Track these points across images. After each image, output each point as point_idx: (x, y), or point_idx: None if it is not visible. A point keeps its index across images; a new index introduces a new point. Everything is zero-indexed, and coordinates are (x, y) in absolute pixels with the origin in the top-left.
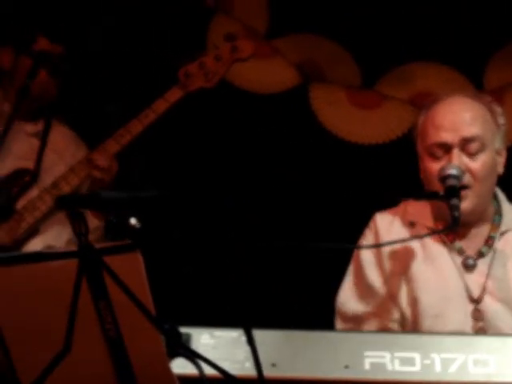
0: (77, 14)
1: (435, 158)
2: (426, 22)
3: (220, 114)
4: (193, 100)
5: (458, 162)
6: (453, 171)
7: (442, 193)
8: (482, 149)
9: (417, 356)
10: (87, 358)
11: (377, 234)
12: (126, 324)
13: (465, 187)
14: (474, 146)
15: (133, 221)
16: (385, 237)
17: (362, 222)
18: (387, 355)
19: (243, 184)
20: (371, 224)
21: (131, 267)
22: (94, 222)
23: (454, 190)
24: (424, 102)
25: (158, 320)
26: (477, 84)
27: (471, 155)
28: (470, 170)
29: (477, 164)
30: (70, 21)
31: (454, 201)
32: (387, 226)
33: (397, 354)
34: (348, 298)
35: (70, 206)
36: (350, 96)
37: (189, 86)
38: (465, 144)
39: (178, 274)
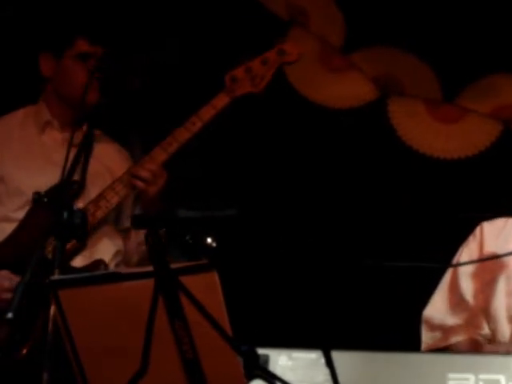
0: (133, 19)
1: None
2: (507, 33)
3: (297, 130)
4: (270, 115)
5: None
6: None
7: None
8: None
9: (502, 378)
10: (164, 379)
11: (481, 244)
12: (203, 345)
13: None
14: None
15: (209, 240)
16: (490, 247)
17: (446, 238)
18: (471, 377)
19: (322, 200)
20: (477, 232)
21: (207, 287)
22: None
23: None
24: None
25: (235, 341)
26: None
27: None
28: None
29: None
30: (116, 25)
31: None
32: (494, 236)
33: (481, 377)
34: (438, 309)
35: (146, 225)
36: (429, 110)
37: (235, 91)
38: None
39: (256, 294)
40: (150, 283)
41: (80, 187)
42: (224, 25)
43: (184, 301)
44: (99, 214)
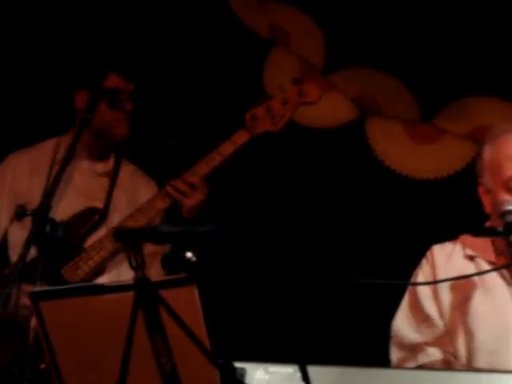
0: (146, 54)
1: None
2: (484, 56)
3: (277, 149)
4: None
5: None
6: None
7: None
8: None
9: None
10: None
11: (433, 266)
12: (181, 358)
13: None
14: None
15: (189, 255)
16: (442, 269)
17: (419, 256)
18: None
19: (300, 218)
20: (428, 255)
21: (187, 301)
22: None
23: None
24: (486, 135)
25: (212, 355)
26: None
27: None
28: None
29: None
30: (139, 60)
31: None
32: (445, 258)
33: None
34: (404, 325)
35: (126, 238)
36: (407, 130)
37: (255, 129)
38: None
39: (234, 309)
40: (130, 296)
41: (103, 215)
42: (206, 45)
43: (163, 314)
44: None
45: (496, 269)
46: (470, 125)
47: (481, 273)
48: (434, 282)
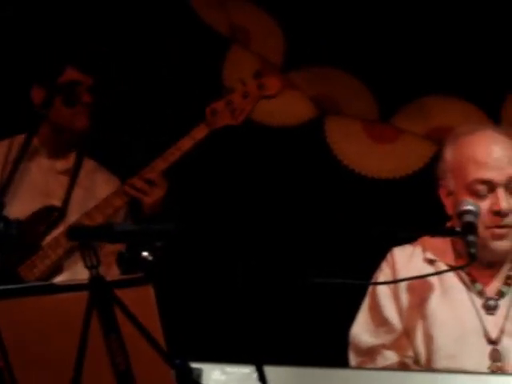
0: (107, 48)
1: (479, 196)
2: (443, 55)
3: (235, 147)
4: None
5: (506, 202)
6: (470, 207)
7: (458, 229)
8: None
9: None
10: None
11: (394, 268)
12: (136, 358)
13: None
14: None
15: (145, 254)
16: (402, 271)
17: (377, 257)
18: None
19: (257, 217)
20: (389, 257)
21: (142, 301)
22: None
23: (470, 227)
24: (448, 136)
25: (168, 355)
26: (493, 118)
27: None
28: None
29: None
30: (98, 54)
31: (471, 237)
32: (405, 260)
33: None
34: (362, 331)
35: (81, 237)
36: (366, 129)
37: (215, 124)
38: (510, 183)
39: (191, 309)
40: (84, 296)
41: (61, 213)
42: (163, 40)
43: (118, 314)
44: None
45: (452, 269)
46: (428, 125)
47: (438, 273)
48: (391, 282)
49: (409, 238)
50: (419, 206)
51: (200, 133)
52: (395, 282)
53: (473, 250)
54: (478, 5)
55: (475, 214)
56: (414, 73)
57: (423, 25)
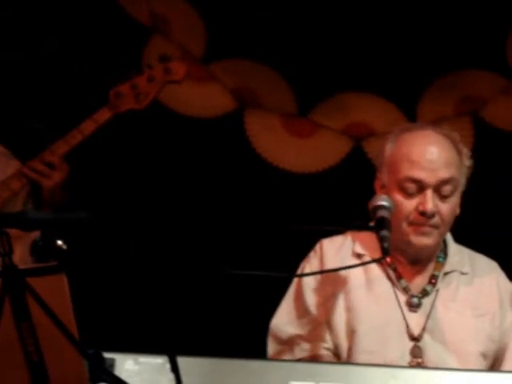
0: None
1: (407, 194)
2: (361, 51)
3: (153, 137)
4: (125, 121)
5: (432, 204)
6: (383, 202)
7: (372, 224)
8: (453, 191)
9: None
10: (8, 381)
11: (321, 260)
12: (49, 347)
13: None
14: (447, 189)
15: (59, 242)
16: (329, 263)
17: (293, 249)
18: None
19: (174, 208)
20: (317, 248)
21: (55, 289)
22: None
23: (383, 222)
24: (391, 132)
25: (81, 344)
26: (410, 116)
27: (443, 197)
28: (440, 212)
29: (447, 206)
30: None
31: (384, 232)
32: (334, 253)
33: None
34: (284, 320)
35: None
36: (284, 123)
37: (118, 107)
38: (440, 185)
39: (104, 298)
40: None
41: None
42: (86, 29)
43: (31, 302)
44: None
45: (371, 262)
46: (345, 121)
47: (359, 264)
48: (309, 274)
49: (324, 233)
50: (335, 201)
51: (102, 116)
52: (313, 273)
53: (385, 245)
54: (395, 3)
55: (388, 209)
56: (333, 69)
57: (343, 21)
